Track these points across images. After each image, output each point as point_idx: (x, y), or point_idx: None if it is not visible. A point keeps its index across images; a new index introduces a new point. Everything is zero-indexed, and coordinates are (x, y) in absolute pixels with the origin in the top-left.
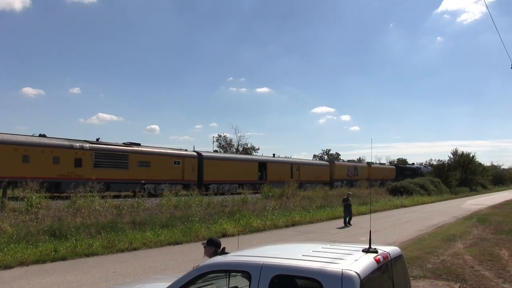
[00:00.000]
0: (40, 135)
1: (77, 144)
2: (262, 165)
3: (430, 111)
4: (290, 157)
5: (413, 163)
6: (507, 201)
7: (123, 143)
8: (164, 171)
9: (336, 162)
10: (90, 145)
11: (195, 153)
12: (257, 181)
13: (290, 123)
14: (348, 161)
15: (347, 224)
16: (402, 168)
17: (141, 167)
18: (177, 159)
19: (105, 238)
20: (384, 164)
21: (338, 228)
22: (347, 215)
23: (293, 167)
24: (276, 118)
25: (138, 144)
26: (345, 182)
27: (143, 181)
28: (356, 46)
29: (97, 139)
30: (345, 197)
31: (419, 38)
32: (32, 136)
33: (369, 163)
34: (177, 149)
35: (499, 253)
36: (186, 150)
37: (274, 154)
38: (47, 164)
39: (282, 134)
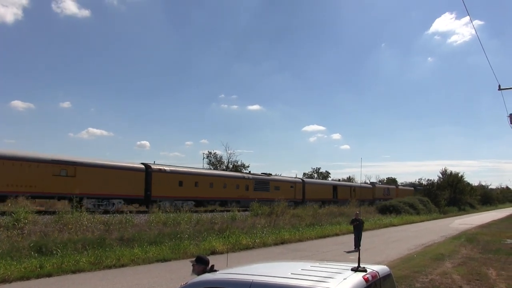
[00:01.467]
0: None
1: (245, 176)
2: (335, 187)
3: (420, 130)
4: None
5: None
6: (495, 220)
7: (263, 173)
8: (286, 192)
9: (377, 185)
10: (252, 176)
11: (300, 179)
12: (332, 199)
13: (281, 141)
14: (382, 183)
15: (358, 247)
16: (418, 189)
17: (275, 190)
18: (292, 184)
19: (92, 254)
20: (405, 185)
21: (346, 251)
22: (357, 237)
23: (351, 189)
24: (267, 136)
25: (270, 174)
26: (381, 200)
27: (276, 200)
28: (348, 65)
29: (249, 172)
30: (353, 217)
31: (410, 58)
32: (227, 170)
33: (396, 186)
34: (291, 177)
35: (487, 272)
36: (295, 177)
37: (339, 179)
38: (233, 189)
39: (272, 152)
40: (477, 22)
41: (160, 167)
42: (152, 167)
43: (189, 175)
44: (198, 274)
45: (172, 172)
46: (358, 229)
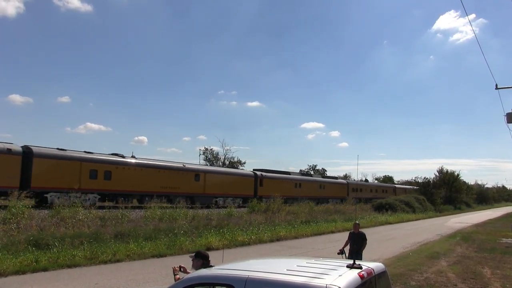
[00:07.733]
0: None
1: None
2: (393, 188)
3: (418, 128)
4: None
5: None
6: (490, 220)
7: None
8: (334, 191)
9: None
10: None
11: (345, 181)
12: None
13: (279, 137)
14: (404, 184)
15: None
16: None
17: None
18: (341, 186)
19: (88, 249)
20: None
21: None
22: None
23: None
24: (265, 132)
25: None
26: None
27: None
28: (348, 63)
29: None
30: (352, 230)
31: (412, 56)
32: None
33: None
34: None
35: (481, 271)
36: (336, 178)
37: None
38: (302, 188)
39: (270, 148)
40: (481, 21)
41: (263, 173)
42: (257, 173)
43: (280, 180)
44: (197, 268)
45: (270, 177)
46: (357, 245)
